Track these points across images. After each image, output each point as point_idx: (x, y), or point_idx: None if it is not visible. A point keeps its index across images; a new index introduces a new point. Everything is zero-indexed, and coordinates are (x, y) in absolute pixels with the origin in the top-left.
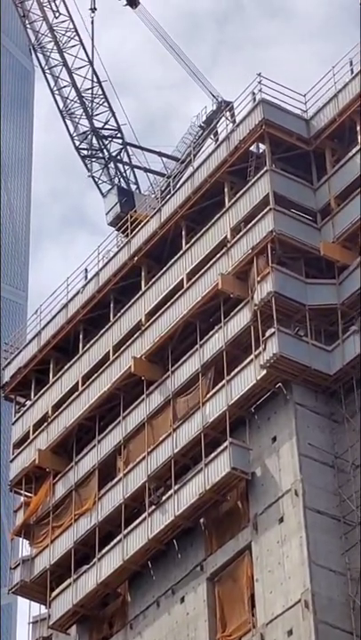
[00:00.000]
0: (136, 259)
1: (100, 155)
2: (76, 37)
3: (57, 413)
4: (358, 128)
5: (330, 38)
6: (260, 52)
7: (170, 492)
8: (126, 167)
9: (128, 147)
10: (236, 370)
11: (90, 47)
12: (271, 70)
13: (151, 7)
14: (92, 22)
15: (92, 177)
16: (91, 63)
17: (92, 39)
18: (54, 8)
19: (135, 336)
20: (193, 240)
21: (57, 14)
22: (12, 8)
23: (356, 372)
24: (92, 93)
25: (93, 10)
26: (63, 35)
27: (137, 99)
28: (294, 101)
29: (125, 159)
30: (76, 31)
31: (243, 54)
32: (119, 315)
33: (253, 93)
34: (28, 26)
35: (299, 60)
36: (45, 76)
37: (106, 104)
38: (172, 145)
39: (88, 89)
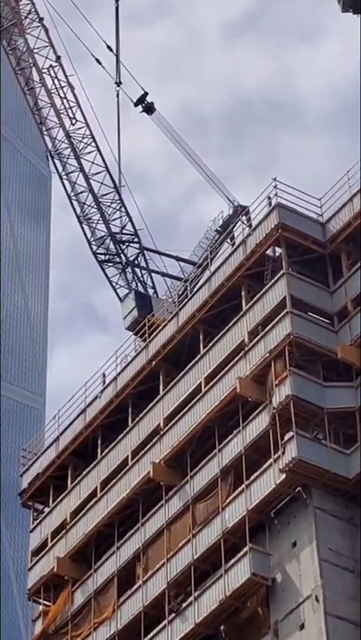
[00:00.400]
0: (154, 363)
1: (118, 259)
2: (93, 144)
3: (75, 520)
4: None
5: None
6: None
7: (190, 599)
8: (144, 271)
9: (145, 251)
10: (256, 474)
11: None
12: (283, 167)
13: (162, 107)
14: (118, 117)
15: (110, 281)
16: (107, 169)
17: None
18: (71, 115)
19: (154, 441)
20: (210, 344)
21: (73, 121)
22: (29, 115)
23: None
24: (110, 198)
25: (119, 84)
26: (80, 141)
27: (150, 200)
28: (310, 205)
29: (143, 264)
30: (93, 137)
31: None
32: (137, 419)
33: (269, 198)
34: (44, 132)
35: (308, 154)
36: (62, 183)
37: (123, 209)
38: (188, 247)
39: (105, 194)
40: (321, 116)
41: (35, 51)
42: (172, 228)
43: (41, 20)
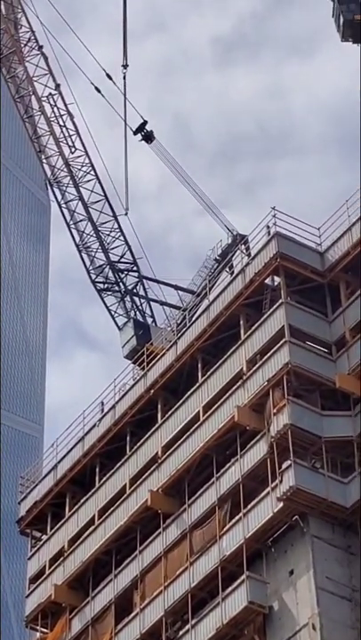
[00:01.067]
0: (152, 391)
1: (117, 288)
2: (92, 172)
3: (73, 548)
4: None
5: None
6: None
7: (187, 627)
8: (142, 300)
9: (144, 280)
10: (253, 502)
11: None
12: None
13: (154, 124)
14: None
15: (109, 310)
16: (106, 197)
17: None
18: (70, 143)
19: (152, 469)
20: (209, 372)
21: (73, 149)
22: (28, 143)
23: None
24: (108, 227)
25: (125, 66)
26: (79, 169)
27: (147, 227)
28: (308, 234)
29: (141, 292)
30: (92, 165)
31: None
32: (135, 448)
33: (268, 227)
34: (44, 161)
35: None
36: (62, 211)
37: (122, 238)
38: (181, 272)
39: (104, 223)
40: (316, 135)
41: (34, 79)
42: (166, 252)
43: (40, 47)
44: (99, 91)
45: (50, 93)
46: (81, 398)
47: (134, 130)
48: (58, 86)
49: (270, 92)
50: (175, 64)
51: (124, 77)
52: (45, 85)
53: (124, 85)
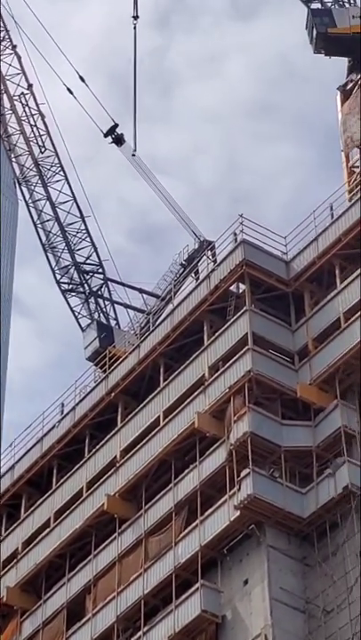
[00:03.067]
0: (113, 394)
1: (81, 289)
2: (61, 172)
3: (27, 550)
4: (337, 272)
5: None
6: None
7: (139, 634)
8: (106, 302)
9: (109, 282)
10: (210, 510)
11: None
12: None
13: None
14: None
15: (72, 310)
16: (74, 198)
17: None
18: (40, 143)
19: (110, 473)
20: (171, 377)
21: (43, 149)
22: None
23: (330, 515)
24: (75, 228)
25: (136, 17)
26: (48, 169)
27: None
28: (275, 243)
29: (106, 294)
30: (61, 166)
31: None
32: (94, 451)
33: (235, 234)
34: (13, 159)
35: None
36: (29, 210)
37: (88, 239)
38: (152, 280)
39: (71, 224)
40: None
41: (7, 77)
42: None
43: (14, 47)
44: (71, 92)
45: (22, 93)
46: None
47: (105, 132)
48: (30, 86)
49: None
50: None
51: (135, 28)
52: (18, 85)
53: (135, 35)
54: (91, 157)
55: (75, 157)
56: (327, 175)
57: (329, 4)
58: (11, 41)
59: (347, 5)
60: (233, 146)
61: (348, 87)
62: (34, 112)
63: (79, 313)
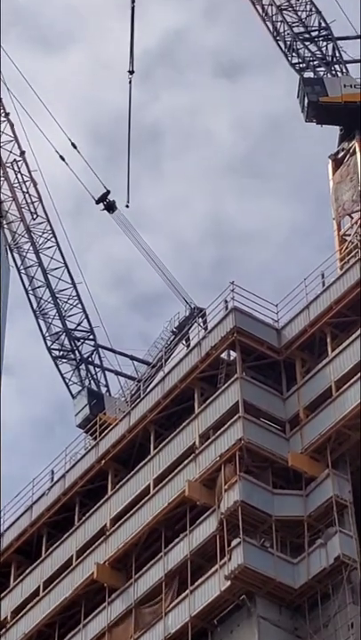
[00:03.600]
0: (103, 462)
1: (72, 356)
2: (53, 239)
3: (16, 619)
4: (329, 340)
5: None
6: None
7: None
8: (97, 369)
9: (100, 349)
10: (200, 580)
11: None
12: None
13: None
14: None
15: (63, 377)
16: (66, 265)
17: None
18: (32, 209)
19: (99, 541)
20: (161, 445)
21: (34, 216)
22: None
23: (322, 586)
24: (66, 295)
25: (131, 72)
26: (40, 236)
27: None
28: (266, 310)
29: (97, 361)
30: (53, 233)
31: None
32: (84, 519)
33: (226, 301)
34: (5, 226)
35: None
36: (20, 276)
37: (79, 305)
38: (144, 348)
39: (62, 290)
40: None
41: (0, 145)
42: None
43: (7, 114)
44: (63, 159)
45: (15, 159)
46: None
47: (96, 199)
48: (23, 153)
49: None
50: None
51: (130, 82)
52: (10, 152)
53: (130, 89)
54: (77, 217)
55: (65, 220)
56: (316, 237)
57: (321, 73)
58: (4, 108)
59: (339, 74)
60: (219, 204)
61: (340, 156)
62: (26, 179)
63: (70, 380)
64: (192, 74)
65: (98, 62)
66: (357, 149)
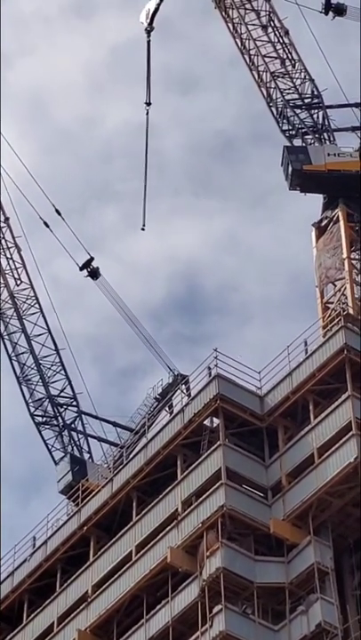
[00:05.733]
0: (85, 528)
1: (55, 422)
2: (37, 305)
3: None
4: (311, 407)
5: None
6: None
7: None
8: (80, 435)
9: (83, 415)
10: None
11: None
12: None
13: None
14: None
15: (46, 444)
16: (49, 331)
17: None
18: (16, 276)
19: (81, 608)
20: (143, 512)
21: (18, 282)
22: None
23: None
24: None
25: (148, 104)
26: (24, 302)
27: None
28: (249, 377)
29: (80, 427)
30: (37, 299)
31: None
32: (66, 585)
33: (209, 368)
34: None
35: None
36: (4, 343)
37: (63, 372)
38: (131, 408)
39: (46, 356)
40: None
41: None
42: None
43: None
44: (47, 225)
45: None
46: None
47: (80, 265)
48: (7, 219)
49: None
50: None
51: (147, 113)
52: None
53: (147, 126)
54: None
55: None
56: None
57: (310, 141)
58: None
59: (327, 142)
60: None
61: (323, 223)
62: (10, 245)
63: (52, 446)
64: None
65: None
66: (341, 217)
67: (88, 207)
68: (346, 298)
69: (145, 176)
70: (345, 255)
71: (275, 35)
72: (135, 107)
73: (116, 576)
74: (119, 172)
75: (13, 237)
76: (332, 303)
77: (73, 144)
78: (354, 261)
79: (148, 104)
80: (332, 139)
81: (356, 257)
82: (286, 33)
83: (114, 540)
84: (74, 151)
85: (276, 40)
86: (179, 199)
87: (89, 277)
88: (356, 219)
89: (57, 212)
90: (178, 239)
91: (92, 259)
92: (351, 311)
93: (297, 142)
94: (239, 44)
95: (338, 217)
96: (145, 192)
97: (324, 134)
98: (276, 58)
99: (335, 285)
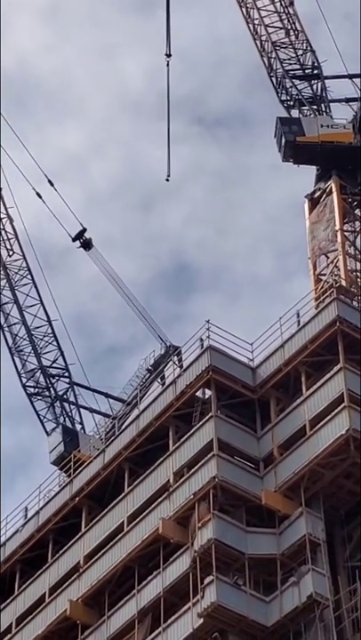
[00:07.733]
0: (77, 499)
1: (47, 393)
2: (29, 276)
3: None
4: (303, 378)
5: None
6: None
7: None
8: (72, 406)
9: (75, 386)
10: (173, 617)
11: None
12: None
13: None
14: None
15: (38, 414)
16: (42, 302)
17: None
18: (8, 246)
19: (73, 578)
20: (135, 483)
21: (11, 252)
22: None
23: (294, 624)
24: (42, 332)
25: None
26: (16, 273)
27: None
28: (241, 349)
29: (72, 398)
30: (29, 270)
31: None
32: (57, 556)
33: (201, 339)
34: None
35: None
36: None
37: (55, 343)
38: (119, 385)
39: (38, 327)
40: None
41: None
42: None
43: None
44: (39, 196)
45: None
46: None
47: (73, 237)
48: None
49: None
50: None
51: (168, 64)
52: None
53: (167, 76)
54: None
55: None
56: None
57: (306, 112)
58: None
59: (324, 114)
60: None
61: (316, 195)
62: (2, 216)
63: (44, 417)
64: None
65: None
66: (334, 189)
67: None
68: (338, 270)
69: (168, 123)
70: (338, 227)
71: (280, 4)
72: None
73: (107, 547)
74: None
75: (6, 208)
76: (324, 275)
77: None
78: (347, 233)
79: (169, 55)
80: (328, 110)
81: (349, 229)
82: (291, 3)
83: (106, 511)
84: None
85: (281, 10)
86: None
87: (82, 248)
88: (350, 190)
89: (50, 182)
90: None
91: (84, 229)
92: (344, 283)
93: (295, 113)
94: (244, 13)
95: (331, 189)
96: (168, 140)
97: (321, 105)
98: (280, 28)
99: (328, 257)
